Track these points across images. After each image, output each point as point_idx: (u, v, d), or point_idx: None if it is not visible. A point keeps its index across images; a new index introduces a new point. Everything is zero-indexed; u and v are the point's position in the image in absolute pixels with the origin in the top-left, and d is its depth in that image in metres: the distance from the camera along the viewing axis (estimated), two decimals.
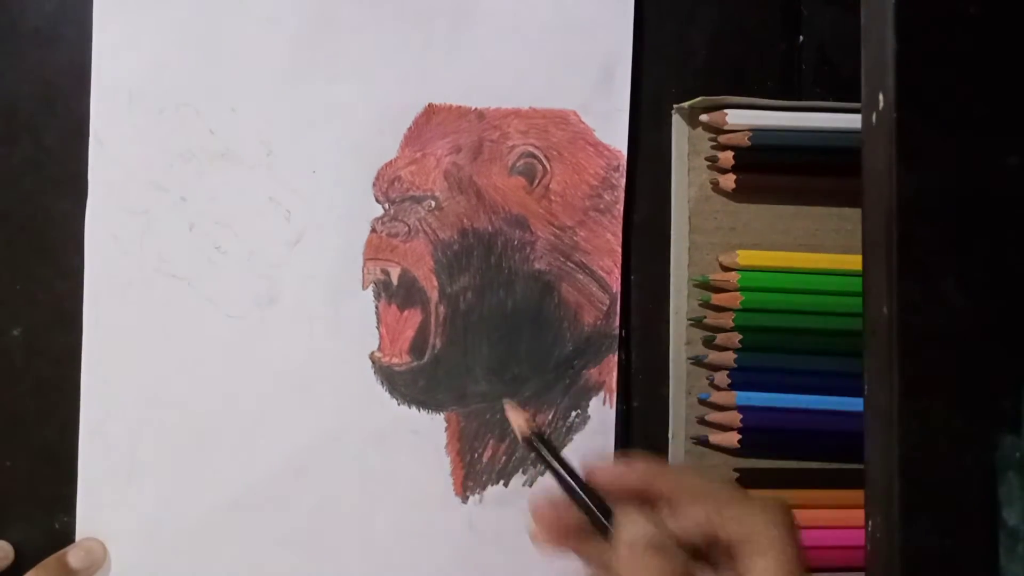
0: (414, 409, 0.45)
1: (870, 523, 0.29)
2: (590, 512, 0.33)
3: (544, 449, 0.34)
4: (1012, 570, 0.27)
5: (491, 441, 0.45)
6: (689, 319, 0.46)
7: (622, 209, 0.46)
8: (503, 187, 0.46)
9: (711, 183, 0.46)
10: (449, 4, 0.45)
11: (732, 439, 0.45)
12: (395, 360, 0.45)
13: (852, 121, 0.43)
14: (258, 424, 0.44)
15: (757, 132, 0.45)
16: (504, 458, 0.45)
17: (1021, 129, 0.28)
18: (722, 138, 0.45)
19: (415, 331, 0.45)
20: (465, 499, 0.45)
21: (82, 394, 0.43)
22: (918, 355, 0.28)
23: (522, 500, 0.44)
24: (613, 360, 0.46)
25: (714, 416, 0.45)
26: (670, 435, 0.46)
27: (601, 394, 0.46)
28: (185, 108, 0.44)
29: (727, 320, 0.45)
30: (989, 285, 0.28)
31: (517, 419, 0.36)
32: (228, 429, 0.44)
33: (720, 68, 0.47)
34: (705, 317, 0.46)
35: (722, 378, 0.45)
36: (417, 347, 0.45)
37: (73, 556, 0.42)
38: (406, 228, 0.45)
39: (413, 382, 0.45)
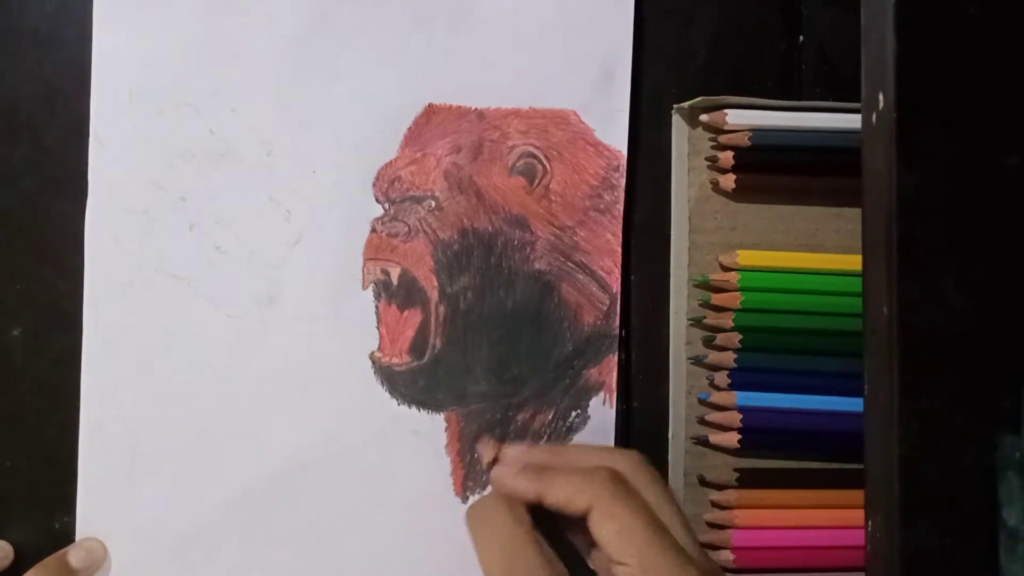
0: (414, 409, 0.45)
1: (870, 523, 0.29)
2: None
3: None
4: (1012, 570, 0.27)
5: (491, 441, 0.45)
6: (689, 319, 0.46)
7: (622, 209, 0.46)
8: (503, 187, 0.46)
9: (711, 183, 0.46)
10: (449, 4, 0.45)
11: (732, 439, 0.45)
12: (395, 360, 0.45)
13: (852, 121, 0.43)
14: (258, 424, 0.44)
15: (757, 132, 0.45)
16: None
17: (1021, 129, 0.28)
18: (722, 138, 0.45)
19: (415, 331, 0.45)
20: (465, 499, 0.45)
21: (82, 394, 0.43)
22: (918, 355, 0.28)
23: None
24: (613, 360, 0.46)
25: (714, 416, 0.45)
26: (670, 435, 0.46)
27: (601, 394, 0.46)
28: (185, 108, 0.44)
29: (727, 320, 0.45)
30: (989, 285, 0.28)
31: (487, 454, 0.43)
32: (228, 429, 0.44)
33: (720, 68, 0.47)
34: (705, 317, 0.46)
35: (722, 378, 0.45)
36: (417, 347, 0.45)
37: (73, 556, 0.42)
38: (406, 228, 0.45)
39: (413, 382, 0.45)
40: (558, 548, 0.39)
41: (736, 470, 0.45)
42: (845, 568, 0.44)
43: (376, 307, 0.45)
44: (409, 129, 0.45)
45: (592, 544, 0.38)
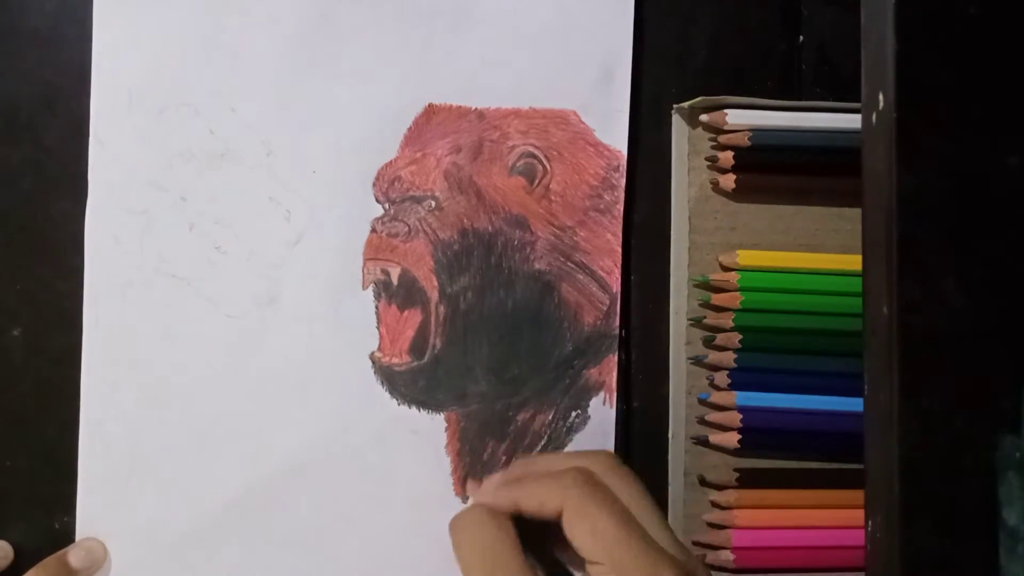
0: (414, 409, 0.45)
1: (870, 523, 0.29)
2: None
3: None
4: (1012, 570, 0.27)
5: (491, 441, 0.45)
6: (689, 319, 0.46)
7: (622, 209, 0.46)
8: (503, 187, 0.46)
9: (711, 183, 0.46)
10: (449, 4, 0.45)
11: (732, 439, 0.45)
12: (395, 360, 0.45)
13: (852, 121, 0.43)
14: (258, 424, 0.44)
15: (757, 132, 0.45)
16: (504, 458, 0.45)
17: (1021, 129, 0.28)
18: (722, 138, 0.45)
19: (415, 331, 0.45)
20: (465, 499, 0.45)
21: (82, 394, 0.43)
22: (918, 355, 0.28)
23: None
24: (613, 360, 0.46)
25: (714, 416, 0.45)
26: (670, 435, 0.46)
27: (601, 394, 0.46)
28: (185, 108, 0.44)
29: (727, 320, 0.45)
30: (989, 285, 0.28)
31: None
32: (228, 429, 0.44)
33: (720, 68, 0.47)
34: (705, 317, 0.46)
35: (722, 378, 0.45)
36: (417, 347, 0.45)
37: (73, 556, 0.42)
38: (406, 228, 0.45)
39: (413, 382, 0.45)
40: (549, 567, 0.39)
41: (736, 470, 0.45)
42: (845, 568, 0.44)
43: (376, 307, 0.45)
44: (409, 129, 0.45)
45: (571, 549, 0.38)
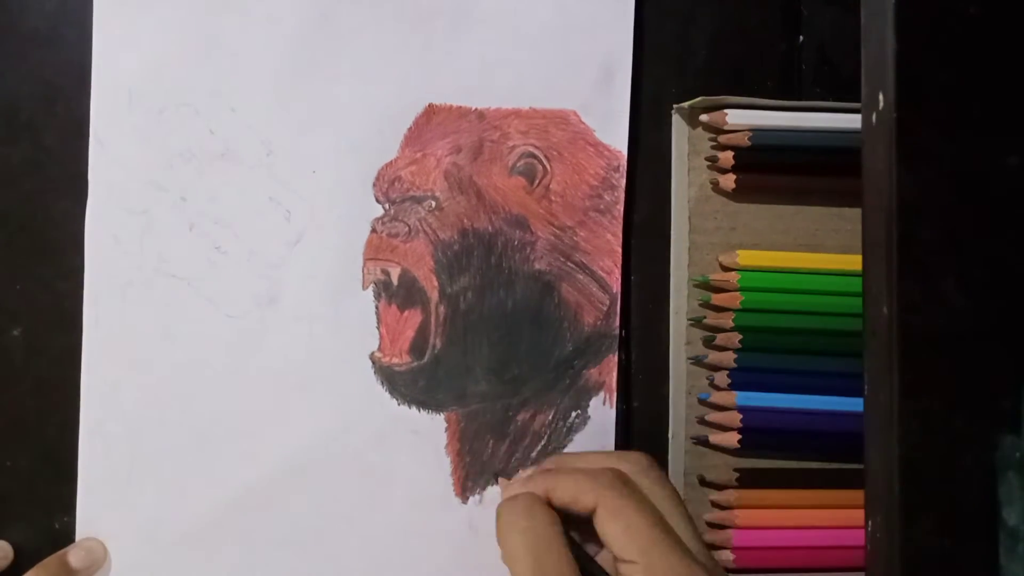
0: (414, 409, 0.45)
1: (870, 523, 0.29)
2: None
3: None
4: (1012, 570, 0.27)
5: (491, 441, 0.45)
6: (689, 319, 0.46)
7: (622, 209, 0.46)
8: (503, 187, 0.46)
9: (711, 183, 0.46)
10: (449, 4, 0.45)
11: (732, 439, 0.45)
12: (395, 360, 0.45)
13: (852, 121, 0.43)
14: (258, 424, 0.44)
15: (757, 132, 0.45)
16: (504, 458, 0.45)
17: (1021, 129, 0.28)
18: (722, 138, 0.45)
19: (415, 331, 0.45)
20: (465, 499, 0.45)
21: (82, 394, 0.43)
22: (918, 355, 0.28)
23: None
24: (613, 360, 0.46)
25: (714, 416, 0.45)
26: (670, 435, 0.46)
27: (601, 394, 0.46)
28: (185, 108, 0.44)
29: (727, 320, 0.45)
30: (989, 285, 0.28)
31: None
32: (228, 429, 0.44)
33: (720, 68, 0.47)
34: (705, 317, 0.46)
35: (722, 378, 0.45)
36: (417, 347, 0.45)
37: (73, 556, 0.42)
38: (406, 228, 0.45)
39: (413, 382, 0.45)
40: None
41: (736, 470, 0.45)
42: (845, 568, 0.44)
43: (376, 307, 0.45)
44: (409, 129, 0.45)
45: (600, 545, 0.38)
